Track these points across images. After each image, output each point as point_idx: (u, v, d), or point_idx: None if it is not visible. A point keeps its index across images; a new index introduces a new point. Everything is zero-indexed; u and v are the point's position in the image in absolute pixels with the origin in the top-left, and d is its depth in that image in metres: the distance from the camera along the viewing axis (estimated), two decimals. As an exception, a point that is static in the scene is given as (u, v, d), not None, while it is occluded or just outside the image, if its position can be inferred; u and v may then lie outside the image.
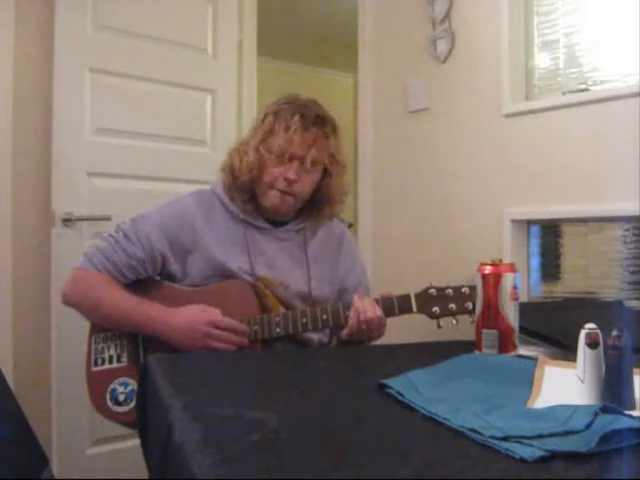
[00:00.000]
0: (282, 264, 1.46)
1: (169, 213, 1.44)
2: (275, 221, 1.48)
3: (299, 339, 1.43)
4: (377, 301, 1.35)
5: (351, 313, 1.33)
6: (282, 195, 1.42)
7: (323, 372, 1.07)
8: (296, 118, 1.38)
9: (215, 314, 1.35)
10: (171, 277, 1.44)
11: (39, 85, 2.14)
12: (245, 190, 1.44)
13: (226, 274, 1.41)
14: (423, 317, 1.34)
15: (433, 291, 1.33)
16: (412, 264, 2.13)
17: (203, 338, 1.32)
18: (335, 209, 1.53)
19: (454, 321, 1.31)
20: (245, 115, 2.60)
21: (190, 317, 1.34)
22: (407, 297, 1.33)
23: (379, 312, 1.33)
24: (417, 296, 1.33)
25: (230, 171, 1.44)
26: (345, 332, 1.36)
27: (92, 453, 2.16)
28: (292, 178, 1.40)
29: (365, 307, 1.32)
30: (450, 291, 1.32)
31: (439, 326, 1.32)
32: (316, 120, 1.40)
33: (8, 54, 2.10)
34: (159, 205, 1.47)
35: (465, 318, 1.31)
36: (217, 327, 1.33)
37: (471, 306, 1.28)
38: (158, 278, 1.47)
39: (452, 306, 1.31)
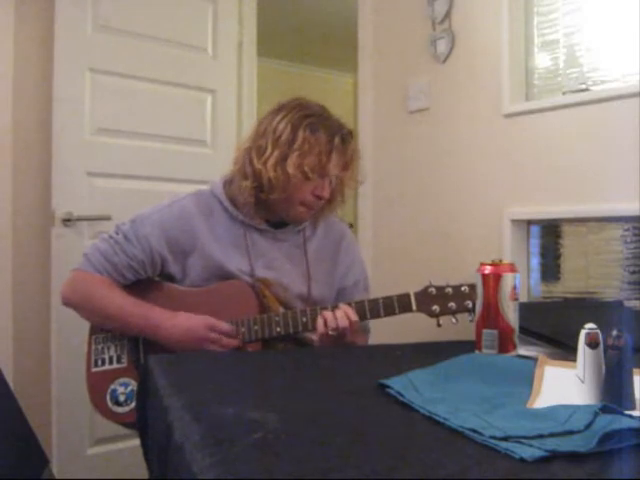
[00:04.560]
0: (281, 265, 1.46)
1: (168, 214, 1.44)
2: (275, 222, 1.48)
3: (299, 339, 1.43)
4: (350, 304, 1.34)
5: (318, 320, 1.32)
6: (310, 210, 1.44)
7: (323, 372, 1.07)
8: (337, 140, 1.38)
9: (211, 318, 1.36)
10: (171, 278, 1.45)
11: (39, 85, 2.14)
12: (260, 202, 1.42)
13: (225, 275, 1.41)
14: (423, 317, 1.34)
15: (433, 290, 1.33)
16: (412, 264, 2.13)
17: (201, 341, 1.34)
18: (336, 208, 1.53)
19: (453, 320, 1.31)
20: (245, 115, 2.60)
21: (189, 320, 1.35)
22: (407, 296, 1.33)
23: (351, 318, 1.31)
24: (417, 295, 1.33)
25: (254, 188, 1.40)
26: (316, 337, 1.37)
27: (92, 453, 2.16)
28: (326, 197, 1.42)
29: (335, 316, 1.31)
30: (449, 290, 1.32)
31: (439, 325, 1.32)
32: (350, 138, 1.42)
33: (8, 54, 2.10)
34: (158, 206, 1.47)
35: (464, 317, 1.31)
36: (215, 331, 1.35)
37: (470, 305, 1.29)
38: (157, 279, 1.47)
39: (452, 305, 1.31)
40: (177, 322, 1.35)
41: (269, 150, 1.37)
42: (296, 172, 1.35)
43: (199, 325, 1.35)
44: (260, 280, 1.42)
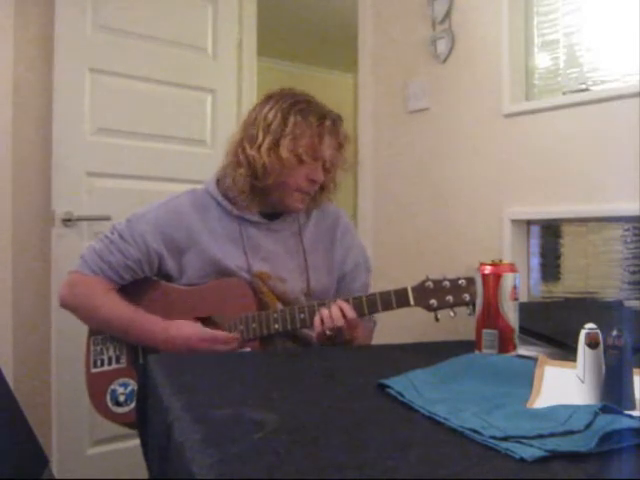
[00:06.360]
0: (279, 257, 1.46)
1: (164, 212, 1.44)
2: (270, 214, 1.48)
3: (298, 336, 1.43)
4: (347, 301, 1.33)
5: (315, 319, 1.32)
6: (305, 196, 1.44)
7: (323, 372, 1.07)
8: (328, 122, 1.39)
9: (206, 330, 1.36)
10: (168, 277, 1.45)
11: (39, 85, 2.14)
12: (255, 191, 1.43)
13: (223, 272, 1.41)
14: (422, 317, 1.34)
15: (430, 284, 1.32)
16: (412, 264, 2.13)
17: (197, 352, 1.33)
18: (329, 195, 1.53)
19: (451, 313, 1.31)
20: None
21: (185, 331, 1.35)
22: (404, 291, 1.33)
23: (347, 315, 1.30)
24: (414, 289, 1.33)
25: (248, 176, 1.40)
26: (314, 337, 1.36)
27: (92, 453, 2.16)
28: (320, 180, 1.42)
29: (331, 314, 1.30)
30: (447, 283, 1.31)
31: (437, 319, 1.32)
32: (339, 121, 1.43)
33: (8, 54, 2.10)
34: (154, 205, 1.47)
35: (463, 313, 1.30)
36: (210, 341, 1.34)
37: (468, 297, 1.28)
38: (154, 278, 1.47)
39: (449, 298, 1.30)
40: (171, 334, 1.35)
41: (261, 137, 1.39)
42: (290, 155, 1.37)
43: (193, 337, 1.34)
44: (257, 275, 1.42)
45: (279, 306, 1.41)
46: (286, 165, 1.37)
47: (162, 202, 1.47)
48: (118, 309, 1.38)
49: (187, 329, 1.35)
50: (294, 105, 1.40)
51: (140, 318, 1.37)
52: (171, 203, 1.46)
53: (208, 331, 1.35)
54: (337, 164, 1.46)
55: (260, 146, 1.38)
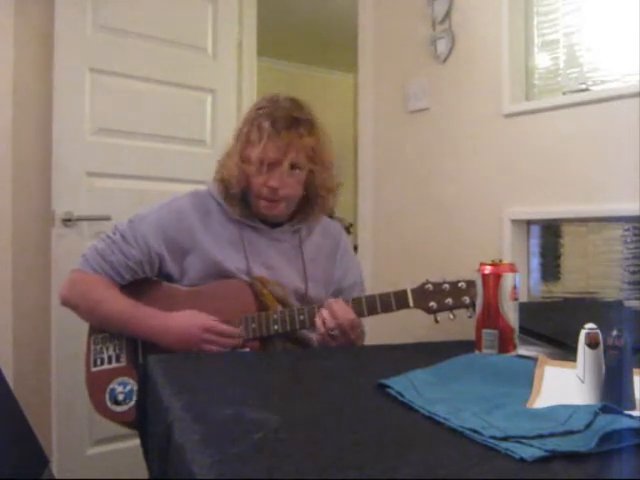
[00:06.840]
0: (278, 265, 1.47)
1: (166, 214, 1.45)
2: (271, 222, 1.49)
3: (298, 338, 1.44)
4: (347, 302, 1.34)
5: (317, 321, 1.32)
6: (271, 203, 1.43)
7: (323, 372, 1.07)
8: (267, 125, 1.37)
9: (208, 319, 1.36)
10: (169, 277, 1.45)
11: (39, 85, 2.14)
12: (239, 197, 1.45)
13: (223, 274, 1.41)
14: (422, 318, 1.34)
15: (430, 286, 1.33)
16: (412, 264, 2.13)
17: (199, 342, 1.34)
18: (327, 204, 1.52)
19: (451, 316, 1.31)
20: (245, 115, 2.60)
21: (185, 321, 1.35)
22: (404, 292, 1.33)
23: (350, 315, 1.31)
24: (414, 291, 1.33)
25: (222, 182, 1.45)
26: (316, 339, 1.37)
27: (92, 453, 2.16)
28: (275, 186, 1.40)
29: (332, 313, 1.31)
30: (447, 286, 1.32)
31: (436, 321, 1.32)
32: (288, 123, 1.38)
33: (8, 54, 2.10)
34: (156, 206, 1.47)
35: (463, 314, 1.31)
36: (211, 332, 1.35)
37: (467, 300, 1.29)
38: (155, 278, 1.47)
39: (449, 301, 1.31)
40: (172, 324, 1.35)
41: (230, 145, 1.46)
42: (239, 162, 1.40)
43: (194, 327, 1.35)
44: (257, 278, 1.42)
45: (279, 308, 1.41)
46: (238, 172, 1.40)
47: (164, 203, 1.48)
48: (118, 304, 1.38)
49: (188, 320, 1.35)
50: (256, 111, 1.42)
51: (140, 312, 1.37)
52: (173, 204, 1.47)
53: (212, 322, 1.35)
54: (302, 168, 1.41)
55: (223, 157, 1.46)
